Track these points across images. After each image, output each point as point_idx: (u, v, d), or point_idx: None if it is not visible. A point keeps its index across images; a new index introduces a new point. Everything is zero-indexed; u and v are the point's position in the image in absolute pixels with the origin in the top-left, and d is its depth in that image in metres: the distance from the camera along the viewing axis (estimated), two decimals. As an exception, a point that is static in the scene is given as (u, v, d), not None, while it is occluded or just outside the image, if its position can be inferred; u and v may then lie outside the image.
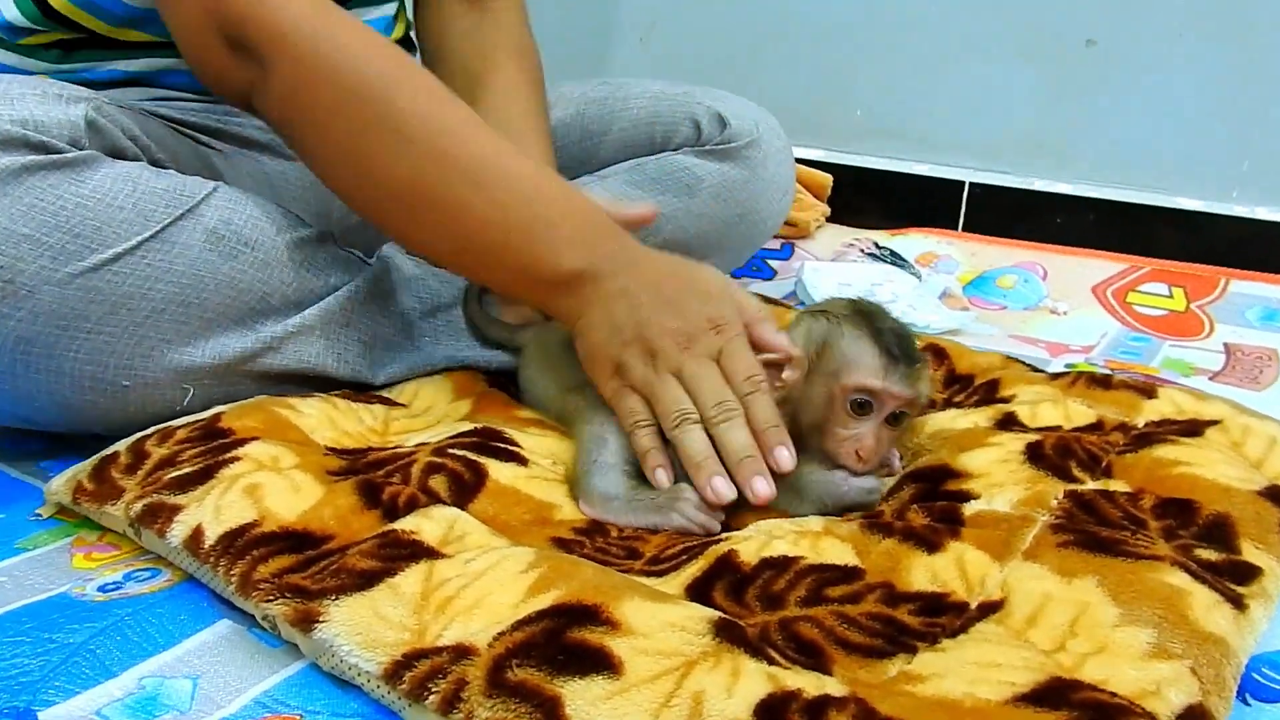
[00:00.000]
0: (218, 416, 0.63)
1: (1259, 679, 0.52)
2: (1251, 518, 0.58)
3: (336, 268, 0.72)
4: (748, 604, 0.52)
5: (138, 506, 0.57)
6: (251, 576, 0.52)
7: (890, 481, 0.66)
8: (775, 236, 1.21)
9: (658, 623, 0.47)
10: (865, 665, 0.47)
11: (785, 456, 0.60)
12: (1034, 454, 0.64)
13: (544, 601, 0.48)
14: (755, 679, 0.44)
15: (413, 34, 1.00)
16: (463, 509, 0.58)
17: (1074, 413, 0.72)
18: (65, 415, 0.65)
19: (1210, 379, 0.96)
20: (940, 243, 1.29)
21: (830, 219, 1.38)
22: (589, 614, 0.47)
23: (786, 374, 0.64)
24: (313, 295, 0.70)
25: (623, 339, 0.63)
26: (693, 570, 0.54)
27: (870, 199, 1.39)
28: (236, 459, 0.59)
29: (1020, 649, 0.47)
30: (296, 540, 0.54)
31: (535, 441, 0.67)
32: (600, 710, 0.43)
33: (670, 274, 0.66)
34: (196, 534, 0.54)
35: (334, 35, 0.65)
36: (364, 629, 0.48)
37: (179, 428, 0.63)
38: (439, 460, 0.62)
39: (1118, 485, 0.62)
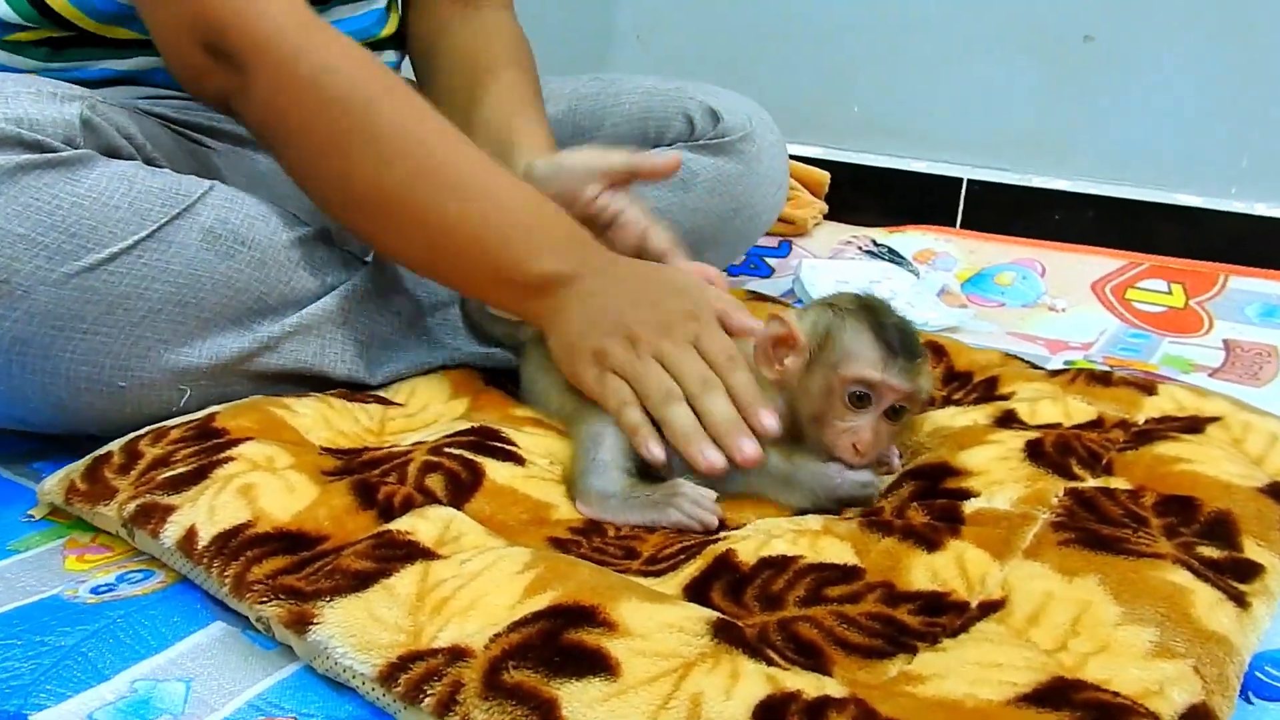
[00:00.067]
0: (212, 416, 0.63)
1: (1262, 677, 0.52)
2: (1253, 515, 0.57)
3: (333, 267, 0.72)
4: (746, 604, 0.51)
5: (131, 507, 0.57)
6: (245, 578, 0.51)
7: (889, 479, 0.65)
8: (772, 234, 1.20)
9: (655, 624, 0.46)
10: (865, 666, 0.47)
11: (769, 419, 0.62)
12: (1034, 451, 0.64)
13: (541, 602, 0.47)
14: (754, 680, 0.43)
15: (403, 32, 1.00)
16: (459, 509, 0.58)
17: (1074, 410, 0.71)
18: (61, 416, 0.65)
19: (1210, 375, 0.96)
20: (938, 240, 1.29)
21: (828, 216, 1.38)
22: (586, 615, 0.46)
23: (789, 361, 0.64)
24: (309, 294, 0.70)
25: (602, 330, 0.65)
26: (690, 570, 0.54)
27: (868, 196, 1.39)
28: (231, 459, 0.58)
29: (1022, 648, 0.47)
30: (291, 541, 0.53)
31: (533, 441, 0.67)
32: (597, 712, 0.42)
33: (642, 274, 0.69)
34: (190, 535, 0.54)
35: (315, 46, 0.66)
36: (359, 631, 0.47)
37: (173, 427, 0.62)
38: (435, 459, 0.61)
39: (1119, 483, 0.61)
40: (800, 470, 0.62)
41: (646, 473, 0.64)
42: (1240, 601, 0.51)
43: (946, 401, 0.78)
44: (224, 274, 0.66)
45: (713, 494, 0.61)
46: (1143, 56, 1.24)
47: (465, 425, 0.67)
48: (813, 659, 0.47)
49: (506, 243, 0.67)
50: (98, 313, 0.62)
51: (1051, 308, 1.13)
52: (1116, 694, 0.43)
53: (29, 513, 0.64)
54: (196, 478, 0.57)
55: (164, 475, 0.58)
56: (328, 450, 0.63)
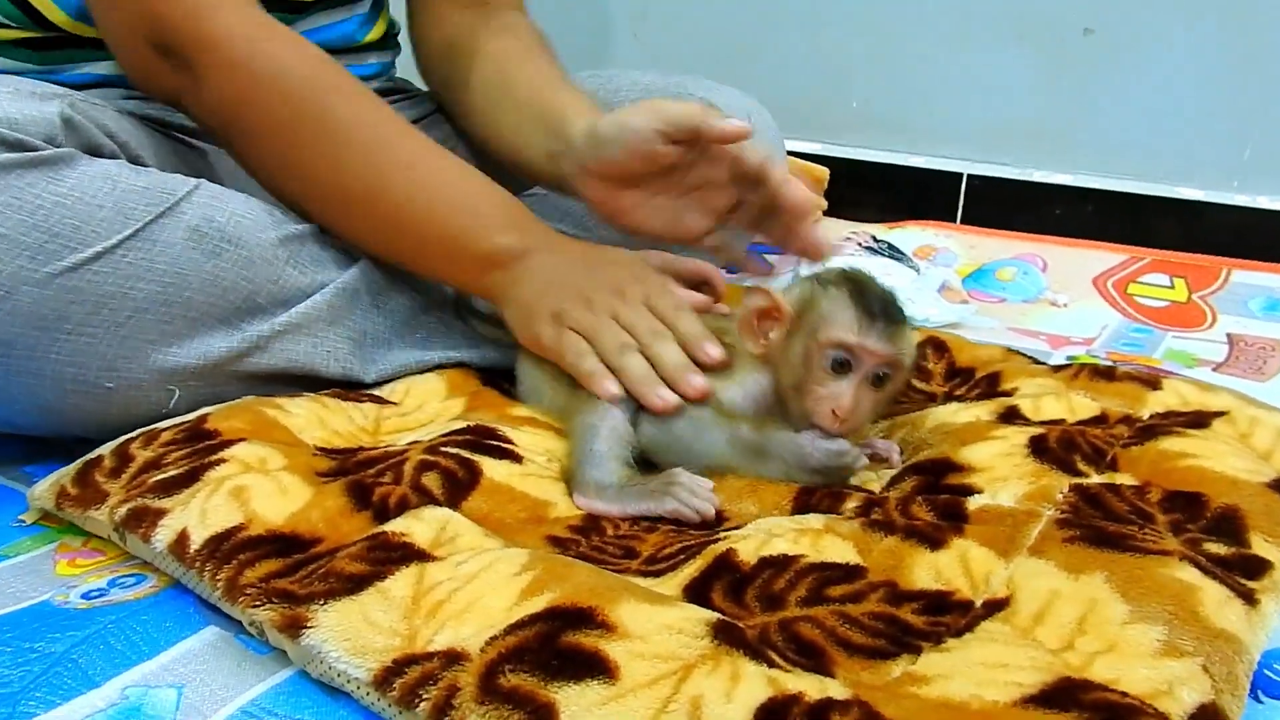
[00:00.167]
0: (204, 418, 0.62)
1: (1271, 675, 0.51)
2: (1261, 510, 0.57)
3: (323, 265, 0.71)
4: (747, 604, 0.51)
5: (122, 511, 0.56)
6: (238, 581, 0.50)
7: (889, 474, 0.65)
8: (772, 230, 1.19)
9: (654, 625, 0.45)
10: (868, 667, 0.46)
11: (713, 349, 0.66)
12: (1037, 447, 0.63)
13: (538, 604, 0.47)
14: (755, 682, 0.43)
15: (395, 34, 0.99)
16: (456, 507, 0.57)
17: (1077, 405, 0.71)
18: (48, 418, 0.64)
19: (1214, 370, 0.95)
20: (938, 235, 1.28)
21: (827, 213, 1.37)
22: (584, 617, 0.46)
23: (773, 335, 0.64)
24: (299, 293, 0.69)
25: (559, 294, 0.69)
26: (690, 570, 0.53)
27: (868, 192, 1.38)
28: (223, 461, 0.57)
29: (1027, 648, 0.46)
30: (284, 544, 0.52)
31: (530, 439, 0.66)
32: (596, 716, 0.41)
33: (588, 250, 0.73)
34: (182, 538, 0.53)
35: (267, 44, 0.67)
36: (353, 634, 0.47)
37: (164, 430, 0.62)
38: (432, 458, 0.61)
39: (1124, 478, 0.61)
40: (772, 440, 0.62)
41: (644, 464, 0.63)
42: (1249, 599, 0.50)
43: (949, 397, 0.77)
44: (210, 273, 0.65)
45: (709, 483, 0.60)
46: (1143, 49, 1.23)
47: (462, 424, 0.66)
48: (815, 660, 0.46)
49: (462, 223, 0.70)
50: (82, 313, 0.61)
51: (1053, 303, 1.12)
52: (1125, 694, 0.43)
53: (20, 517, 0.63)
54: (188, 480, 0.56)
55: (155, 478, 0.57)
56: (322, 450, 0.62)
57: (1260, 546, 0.54)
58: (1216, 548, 0.54)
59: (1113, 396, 0.72)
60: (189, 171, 0.69)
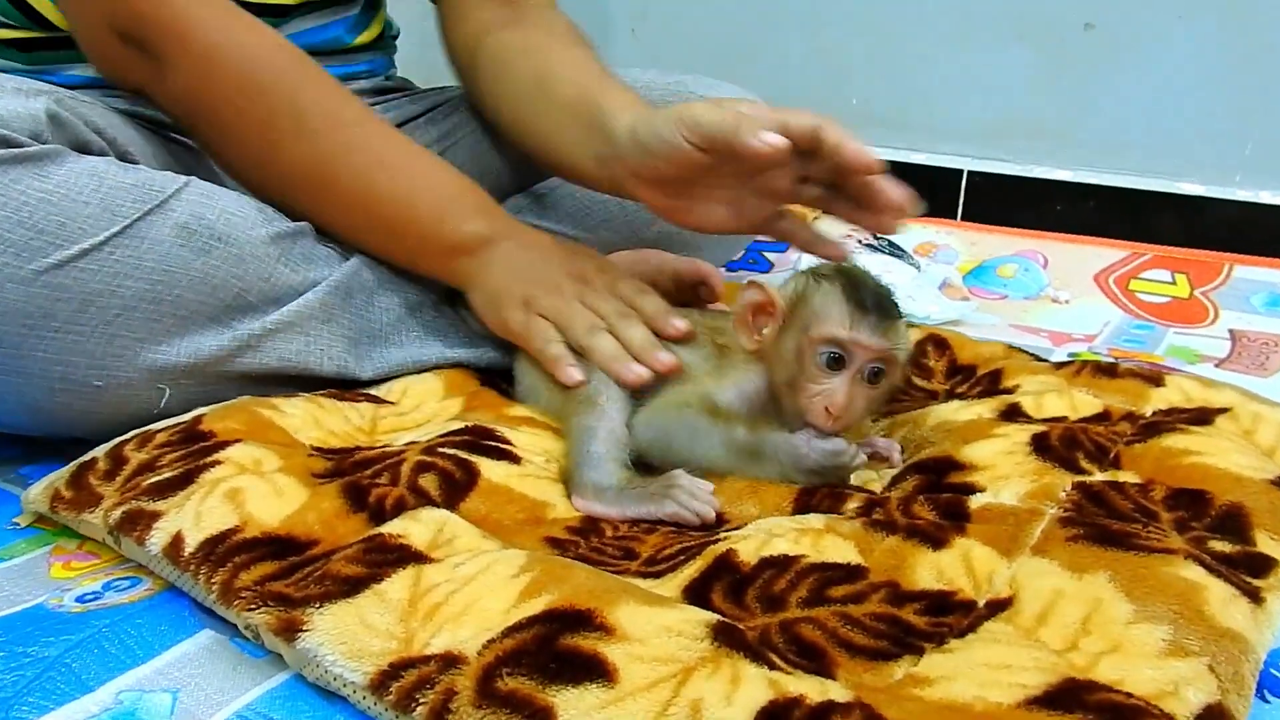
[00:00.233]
0: (198, 419, 0.62)
1: (1277, 675, 0.51)
2: (1265, 508, 0.56)
3: (315, 263, 0.70)
4: (747, 606, 0.50)
5: (116, 514, 0.55)
6: (233, 584, 0.50)
7: (891, 473, 0.64)
8: (771, 228, 1.18)
9: (654, 627, 0.45)
10: (870, 668, 0.46)
11: (679, 323, 0.69)
12: (1040, 445, 0.63)
13: (536, 607, 0.46)
14: (756, 685, 0.42)
15: (393, 36, 0.99)
16: (453, 509, 0.56)
17: (1080, 402, 0.70)
18: (38, 418, 0.63)
19: (1216, 366, 0.94)
20: (939, 232, 1.27)
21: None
22: (582, 619, 0.45)
23: (767, 331, 0.63)
24: (291, 291, 0.68)
25: (528, 279, 0.71)
26: (690, 571, 0.53)
27: (867, 189, 1.37)
28: (218, 462, 0.57)
29: (1031, 649, 0.45)
30: (280, 546, 0.52)
31: (528, 439, 0.66)
32: (594, 720, 0.41)
33: (556, 241, 0.75)
34: (176, 541, 0.53)
35: (235, 34, 0.68)
36: (349, 638, 0.46)
37: (159, 431, 0.61)
38: (429, 459, 0.60)
39: (1127, 476, 0.60)
40: (766, 441, 0.61)
41: (643, 465, 0.63)
42: (1254, 597, 0.49)
43: (950, 395, 0.76)
44: (200, 270, 0.64)
45: (709, 485, 0.60)
46: (1144, 44, 1.23)
47: (459, 424, 0.66)
48: (816, 662, 0.46)
49: (432, 209, 0.72)
50: (69, 311, 0.60)
51: (1054, 299, 1.11)
52: (1130, 695, 0.42)
53: (14, 520, 0.63)
54: (183, 483, 0.56)
55: (150, 481, 0.56)
56: (318, 450, 0.62)
57: (1265, 544, 0.54)
58: (1221, 546, 0.53)
59: (1115, 393, 0.72)
60: (180, 169, 0.69)
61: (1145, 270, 1.17)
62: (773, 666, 0.44)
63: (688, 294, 0.81)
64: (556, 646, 0.44)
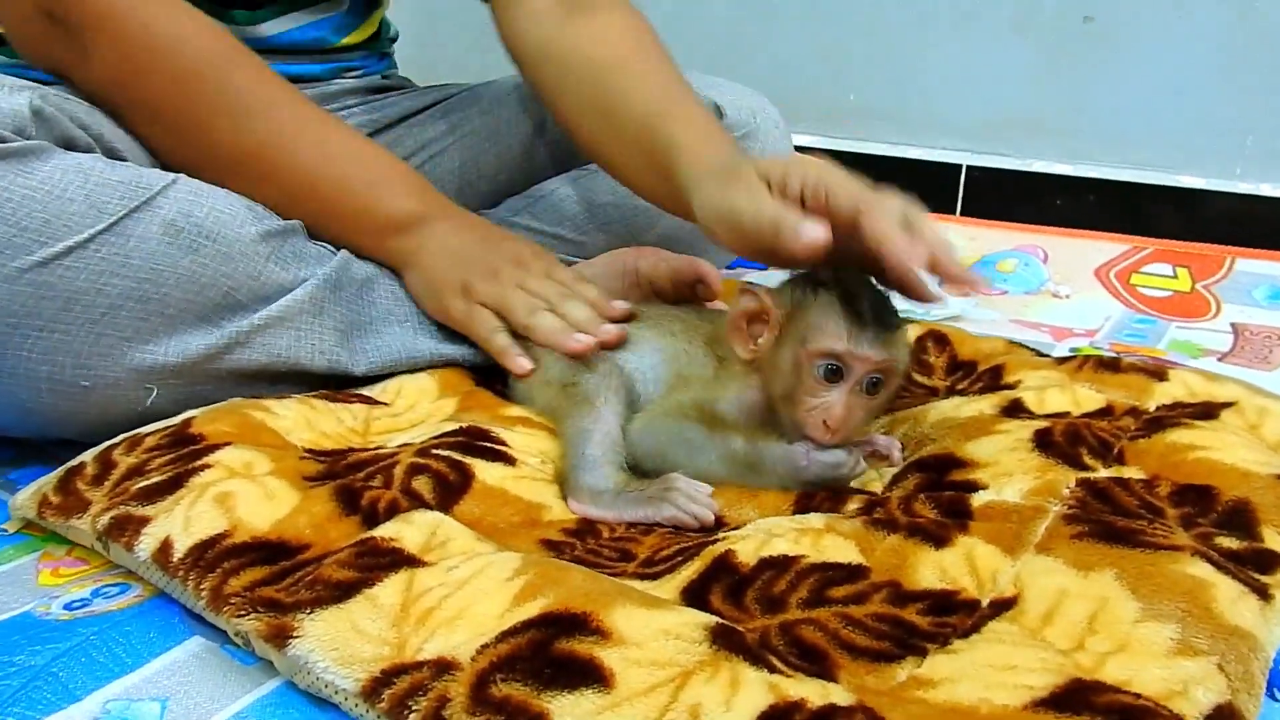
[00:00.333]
0: (188, 422, 0.61)
1: (1287, 673, 0.50)
2: (1272, 503, 0.55)
3: (305, 260, 0.69)
4: (746, 607, 0.49)
5: (104, 519, 0.54)
6: (223, 590, 0.49)
7: (891, 471, 0.63)
8: (769, 225, 1.17)
9: (651, 630, 0.44)
10: (872, 670, 0.45)
11: (620, 304, 0.70)
12: (1043, 441, 0.62)
13: (530, 610, 0.45)
14: (756, 689, 0.41)
15: (391, 38, 0.98)
16: (447, 511, 0.56)
17: (1082, 398, 0.69)
18: (24, 419, 0.62)
19: (1219, 360, 0.94)
20: (938, 227, 1.26)
21: (825, 206, 1.36)
22: (578, 623, 0.44)
23: (763, 340, 0.62)
24: (280, 288, 0.67)
25: (466, 265, 0.71)
26: (688, 572, 0.52)
27: (866, 185, 1.36)
28: (207, 466, 0.56)
29: (1036, 649, 0.45)
30: (270, 551, 0.51)
31: (524, 440, 0.65)
32: (591, 726, 0.40)
33: (490, 225, 0.76)
34: (165, 546, 0.52)
35: (157, 17, 0.67)
36: (340, 644, 0.45)
37: (148, 435, 0.60)
38: (423, 461, 0.59)
39: (1131, 472, 0.59)
40: (765, 452, 0.60)
41: (639, 470, 0.62)
42: (1263, 594, 0.49)
43: (950, 391, 0.76)
44: (188, 269, 0.63)
45: (708, 488, 0.59)
46: (1144, 36, 1.22)
47: (454, 425, 0.65)
48: (817, 664, 0.45)
49: (367, 188, 0.72)
50: (54, 309, 0.59)
51: (1055, 294, 1.11)
52: (1138, 695, 0.41)
53: (2, 526, 0.62)
54: (172, 487, 0.55)
55: (138, 485, 0.55)
56: (311, 453, 0.61)
57: (1273, 540, 0.53)
58: (1228, 542, 0.52)
59: (1118, 388, 0.71)
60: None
61: (1146, 264, 1.16)
62: (773, 669, 0.43)
63: (686, 292, 0.80)
64: (552, 651, 0.43)
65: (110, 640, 0.50)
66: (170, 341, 0.63)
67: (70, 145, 0.63)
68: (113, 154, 0.66)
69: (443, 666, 0.43)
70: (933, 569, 0.51)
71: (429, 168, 0.93)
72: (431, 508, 0.55)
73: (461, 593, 0.47)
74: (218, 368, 0.65)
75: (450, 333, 0.74)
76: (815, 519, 0.56)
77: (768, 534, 0.54)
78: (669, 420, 0.63)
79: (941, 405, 0.70)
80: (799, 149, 1.35)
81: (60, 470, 0.60)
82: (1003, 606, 0.48)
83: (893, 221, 0.55)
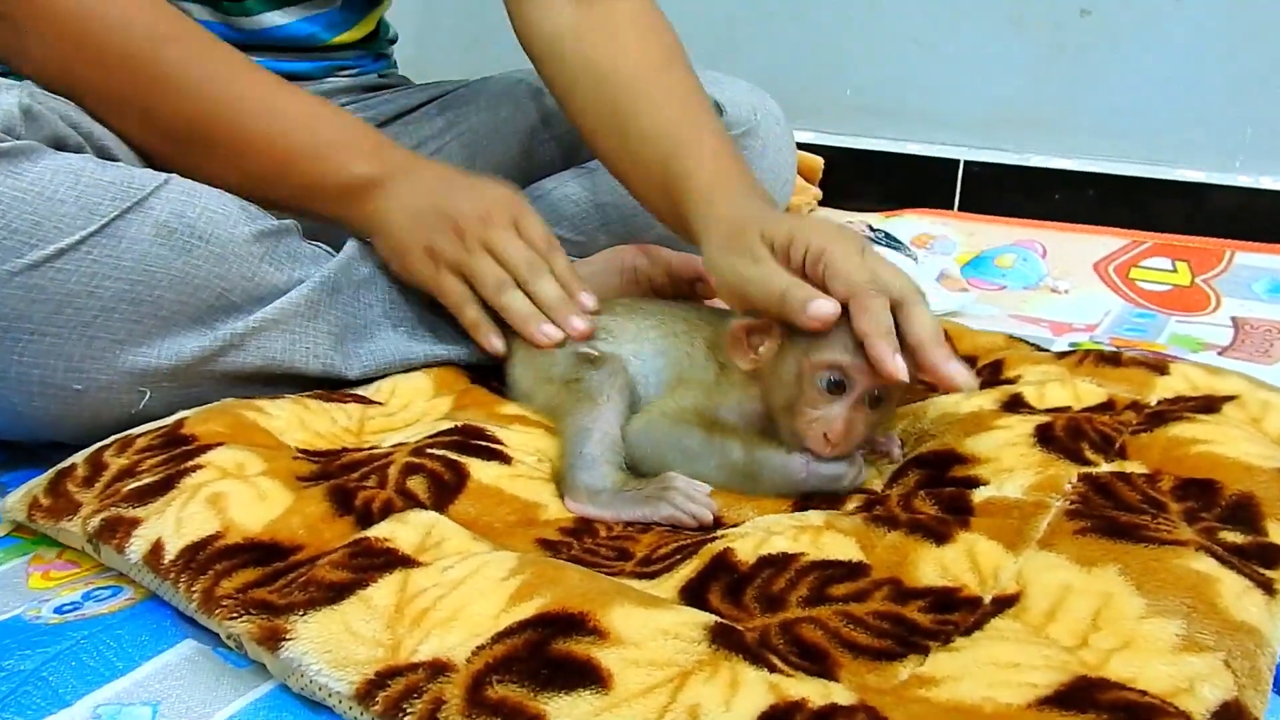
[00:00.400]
0: (180, 422, 0.60)
1: (1294, 669, 0.49)
2: (1276, 497, 0.55)
3: (300, 261, 0.69)
4: (746, 606, 0.49)
5: (95, 521, 0.54)
6: (214, 592, 0.48)
7: (892, 468, 0.63)
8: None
9: (649, 630, 0.43)
10: (874, 669, 0.44)
11: (587, 299, 0.70)
12: (1044, 436, 0.61)
13: (527, 611, 0.45)
14: (756, 689, 0.41)
15: (390, 39, 0.97)
16: (442, 512, 0.55)
17: (1083, 392, 0.69)
18: (16, 422, 0.62)
19: (1219, 354, 0.93)
20: (936, 223, 1.26)
21: (822, 202, 1.36)
22: (575, 623, 0.44)
23: (764, 349, 0.61)
24: (275, 290, 0.67)
25: (428, 226, 0.69)
26: (686, 571, 0.51)
27: (863, 180, 1.36)
28: (199, 467, 0.55)
29: (1040, 646, 0.44)
30: (263, 552, 0.50)
31: (520, 438, 0.64)
32: (588, 728, 0.39)
33: (445, 173, 0.73)
34: (156, 548, 0.51)
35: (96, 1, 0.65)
36: (334, 646, 0.44)
37: (139, 436, 0.59)
38: (417, 461, 0.59)
39: (1134, 466, 0.59)
40: (763, 462, 0.59)
41: (636, 470, 0.61)
42: (1268, 589, 0.48)
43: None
44: (181, 270, 0.62)
45: (706, 487, 0.58)
46: (1141, 29, 1.21)
47: (449, 424, 0.64)
48: (818, 663, 0.44)
49: (317, 155, 0.70)
50: (45, 312, 0.59)
51: (1054, 289, 1.10)
52: (1144, 693, 0.41)
53: (-8, 529, 0.61)
54: (163, 488, 0.54)
55: (129, 487, 0.55)
56: (304, 452, 0.60)
57: (1277, 534, 0.52)
58: (1233, 536, 0.52)
59: (1119, 382, 0.70)
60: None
61: (1145, 258, 1.15)
62: (773, 669, 0.42)
63: (685, 289, 0.80)
64: (548, 652, 0.42)
65: (101, 644, 0.50)
66: (163, 344, 0.63)
67: (61, 145, 0.63)
68: (104, 153, 0.65)
69: (438, 668, 0.43)
70: (934, 566, 0.50)
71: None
72: (426, 508, 0.55)
73: (457, 593, 0.46)
74: (211, 370, 0.65)
75: (446, 334, 0.74)
76: (814, 516, 0.56)
77: (766, 532, 0.54)
78: (667, 424, 0.62)
79: (941, 401, 0.69)
80: (796, 145, 1.35)
81: (51, 472, 0.59)
82: (1005, 603, 0.48)
83: (879, 326, 0.56)
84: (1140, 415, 0.65)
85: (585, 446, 0.60)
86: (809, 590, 0.49)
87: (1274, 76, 1.18)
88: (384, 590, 0.47)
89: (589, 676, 0.41)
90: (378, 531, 0.51)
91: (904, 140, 1.36)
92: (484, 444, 0.62)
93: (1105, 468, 0.59)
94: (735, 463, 0.60)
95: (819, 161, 1.36)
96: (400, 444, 0.61)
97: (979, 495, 0.56)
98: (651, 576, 0.51)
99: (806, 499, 0.59)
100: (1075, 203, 1.26)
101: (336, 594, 0.47)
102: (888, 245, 1.20)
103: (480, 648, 0.43)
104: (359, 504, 0.54)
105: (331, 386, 0.69)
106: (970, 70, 1.31)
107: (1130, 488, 0.56)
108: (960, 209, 1.33)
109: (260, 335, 0.66)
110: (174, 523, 0.52)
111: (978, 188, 1.32)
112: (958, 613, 0.48)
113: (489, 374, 0.73)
